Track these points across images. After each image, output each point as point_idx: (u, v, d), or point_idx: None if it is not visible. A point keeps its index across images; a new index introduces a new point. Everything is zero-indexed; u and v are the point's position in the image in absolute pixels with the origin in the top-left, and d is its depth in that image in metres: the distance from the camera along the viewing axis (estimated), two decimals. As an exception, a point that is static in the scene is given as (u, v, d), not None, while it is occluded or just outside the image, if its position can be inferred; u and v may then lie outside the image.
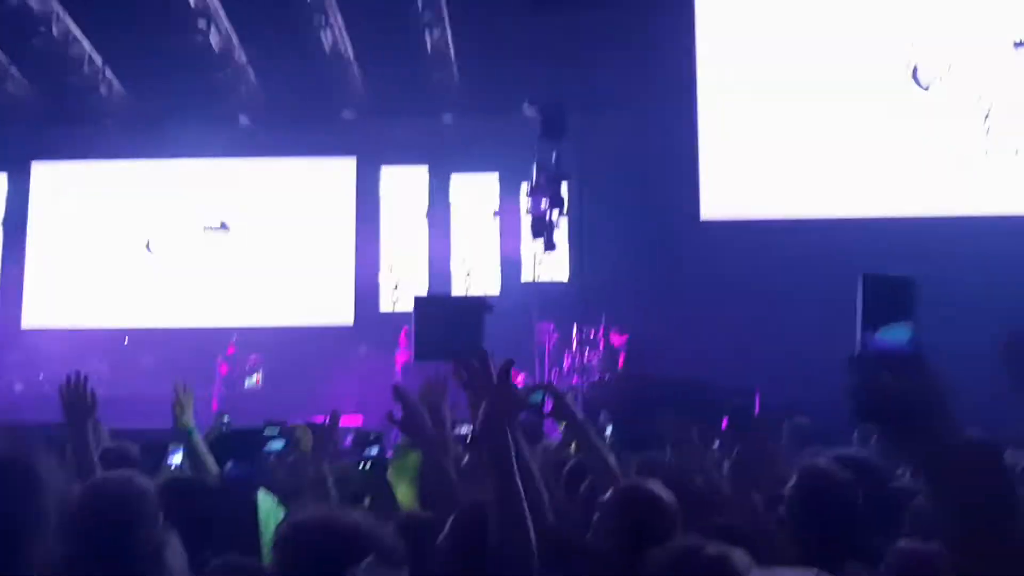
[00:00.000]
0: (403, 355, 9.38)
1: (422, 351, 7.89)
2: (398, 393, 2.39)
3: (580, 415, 2.72)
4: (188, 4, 9.60)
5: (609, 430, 5.07)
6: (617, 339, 9.18)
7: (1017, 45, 8.87)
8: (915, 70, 9.06)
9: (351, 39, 10.76)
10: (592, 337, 9.02)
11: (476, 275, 11.45)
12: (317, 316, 11.34)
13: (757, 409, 6.57)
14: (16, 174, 11.87)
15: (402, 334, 9.29)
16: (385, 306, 11.53)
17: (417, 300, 8.37)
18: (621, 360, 8.95)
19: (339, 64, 10.89)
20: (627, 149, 10.26)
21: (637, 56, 9.83)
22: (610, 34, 9.97)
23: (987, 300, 7.82)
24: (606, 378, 8.63)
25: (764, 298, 8.82)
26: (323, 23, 10.30)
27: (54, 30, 10.16)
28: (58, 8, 10.18)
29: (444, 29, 10.61)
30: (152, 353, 10.73)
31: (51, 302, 11.62)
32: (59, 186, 11.94)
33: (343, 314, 11.42)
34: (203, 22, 9.88)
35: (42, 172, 11.93)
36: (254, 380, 10.70)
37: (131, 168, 11.79)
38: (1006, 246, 8.36)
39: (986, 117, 8.67)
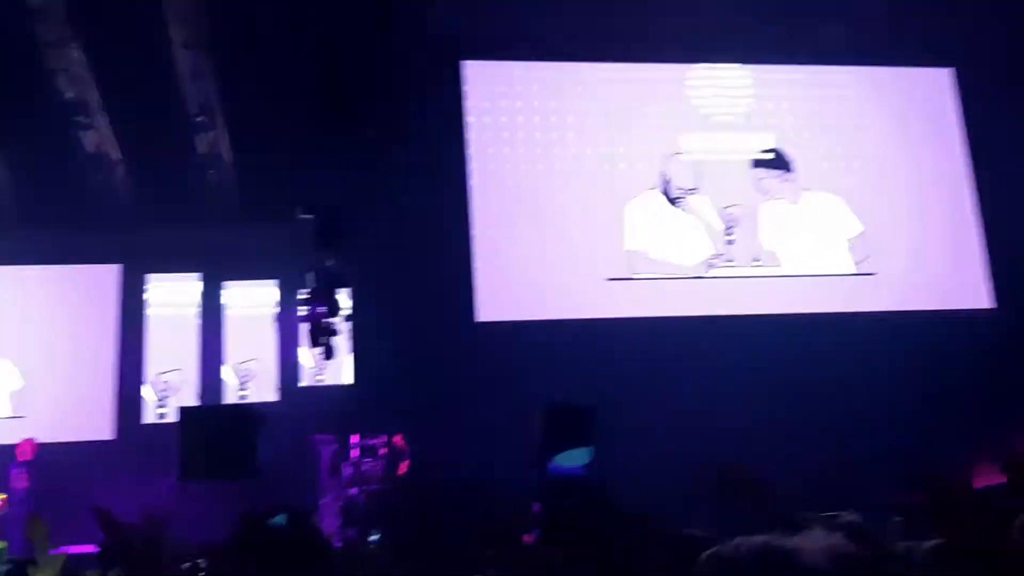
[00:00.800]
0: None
1: (189, 470, 7.65)
2: (100, 516, 2.13)
3: None
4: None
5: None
6: (400, 443, 9.17)
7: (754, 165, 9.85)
8: (666, 183, 9.77)
9: (118, 140, 10.43)
10: (373, 444, 8.95)
11: (252, 382, 11.11)
12: (75, 431, 10.56)
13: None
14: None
15: None
16: (150, 417, 10.92)
17: (183, 411, 8.09)
18: (404, 466, 8.90)
19: (103, 166, 10.50)
20: (405, 253, 10.43)
21: (417, 164, 10.13)
22: (389, 143, 10.25)
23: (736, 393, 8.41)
24: (385, 487, 8.53)
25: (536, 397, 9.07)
26: (86, 124, 9.96)
27: None
28: None
29: (219, 132, 10.52)
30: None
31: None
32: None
33: (101, 428, 10.68)
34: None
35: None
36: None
37: None
38: (749, 344, 9.04)
39: (728, 229, 9.49)
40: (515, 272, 9.92)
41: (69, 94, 9.71)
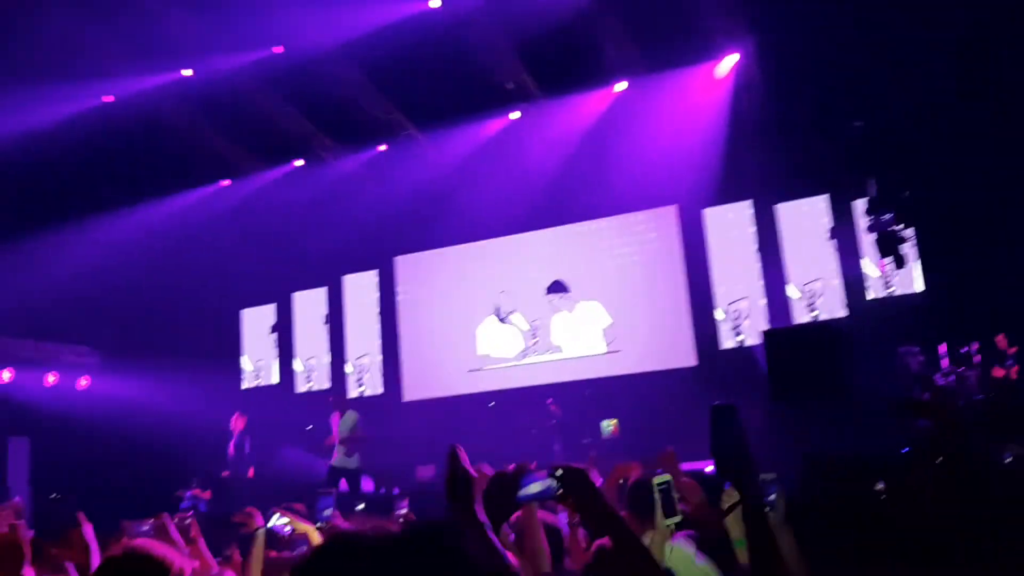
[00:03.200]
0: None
1: (780, 389, 7.74)
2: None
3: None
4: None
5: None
6: (1004, 345, 8.33)
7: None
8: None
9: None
10: (967, 351, 8.30)
11: (819, 300, 11.04)
12: (662, 360, 11.58)
13: None
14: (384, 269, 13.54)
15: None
16: (728, 343, 11.49)
17: (767, 334, 8.24)
18: (1015, 371, 8.08)
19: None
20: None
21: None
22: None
23: None
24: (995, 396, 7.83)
25: None
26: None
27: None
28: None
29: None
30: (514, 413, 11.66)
31: (425, 376, 12.99)
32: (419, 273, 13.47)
33: (686, 356, 11.52)
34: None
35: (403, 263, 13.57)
36: (610, 428, 11.12)
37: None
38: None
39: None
40: None
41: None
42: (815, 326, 10.36)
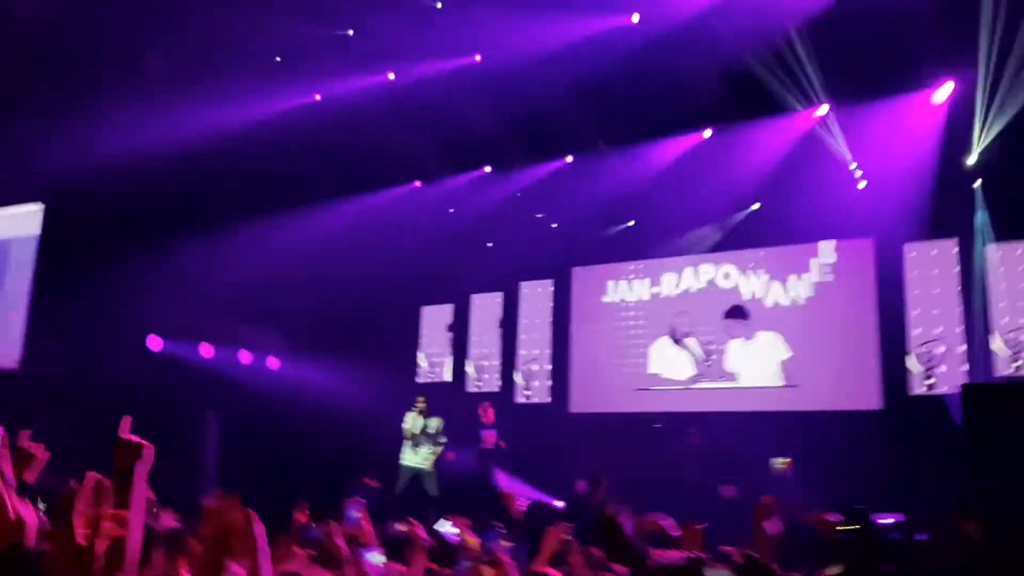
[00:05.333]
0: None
1: (981, 465, 7.01)
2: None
3: None
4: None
5: None
6: None
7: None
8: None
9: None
10: None
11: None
12: (844, 400, 11.01)
13: None
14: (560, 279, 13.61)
15: None
16: (918, 388, 10.75)
17: (967, 389, 7.54)
18: None
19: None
20: None
21: None
22: None
23: None
24: None
25: None
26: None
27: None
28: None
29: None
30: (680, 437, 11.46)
31: (593, 389, 12.95)
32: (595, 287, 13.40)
33: (869, 397, 10.89)
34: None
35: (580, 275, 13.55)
36: (782, 466, 10.71)
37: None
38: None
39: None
40: None
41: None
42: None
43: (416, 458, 11.28)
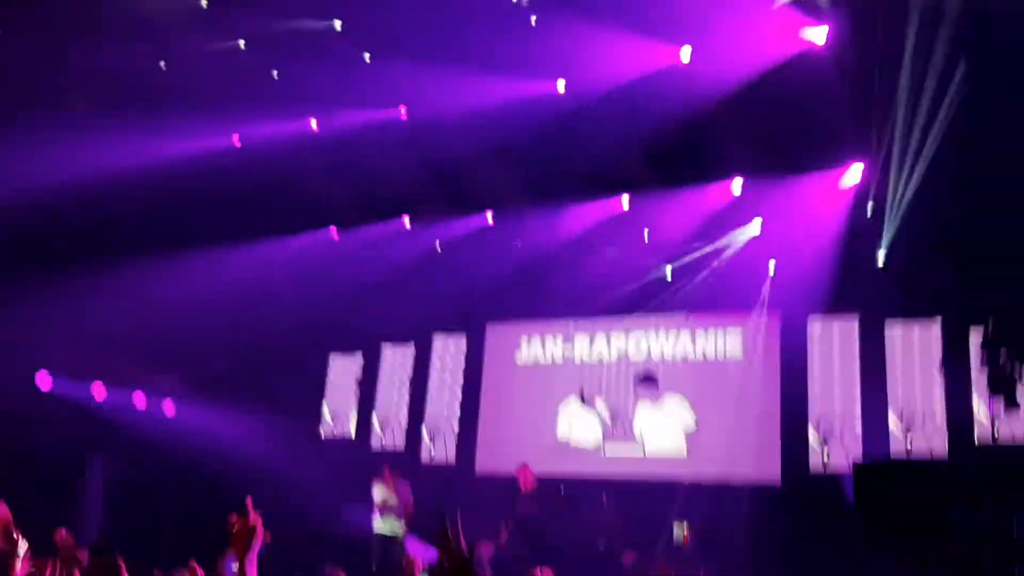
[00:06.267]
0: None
1: (875, 530, 7.19)
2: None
3: None
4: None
5: None
6: None
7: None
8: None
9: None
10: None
11: (918, 434, 10.46)
12: (742, 473, 11.13)
13: None
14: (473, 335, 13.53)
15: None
16: (816, 464, 10.95)
17: (857, 468, 7.70)
18: None
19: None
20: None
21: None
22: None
23: None
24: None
25: None
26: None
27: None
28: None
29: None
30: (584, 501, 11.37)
31: (501, 450, 12.80)
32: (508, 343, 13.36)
33: (769, 473, 11.03)
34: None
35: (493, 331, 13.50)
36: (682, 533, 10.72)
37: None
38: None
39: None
40: None
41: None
42: (915, 464, 9.78)
43: (386, 527, 10.96)
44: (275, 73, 11.06)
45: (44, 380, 12.17)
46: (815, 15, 9.43)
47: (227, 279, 12.25)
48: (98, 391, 12.56)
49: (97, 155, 10.62)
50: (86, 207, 11.43)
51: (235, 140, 11.76)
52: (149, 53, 10.57)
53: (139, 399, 13.10)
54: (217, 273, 12.25)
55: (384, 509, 10.89)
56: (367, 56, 10.73)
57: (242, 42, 10.83)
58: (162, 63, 10.78)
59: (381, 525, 10.98)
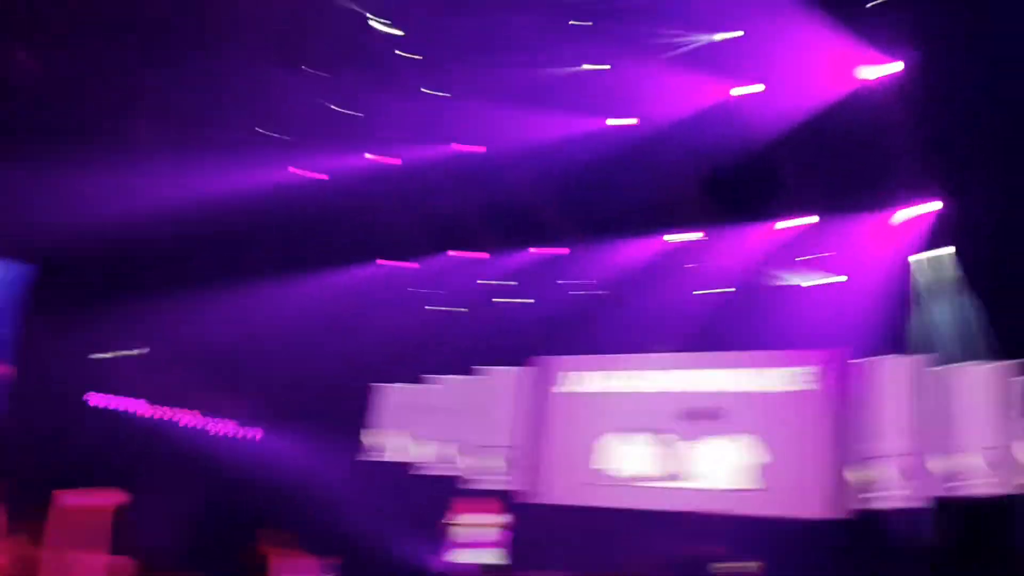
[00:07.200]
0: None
1: (950, 567, 6.83)
2: None
3: None
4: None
5: None
6: None
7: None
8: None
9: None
10: None
11: (992, 472, 10.20)
12: (803, 508, 10.98)
13: None
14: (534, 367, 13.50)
15: None
16: (877, 502, 10.73)
17: (937, 504, 7.26)
18: None
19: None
20: None
21: None
22: None
23: None
24: None
25: None
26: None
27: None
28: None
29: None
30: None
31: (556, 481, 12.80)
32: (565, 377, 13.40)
33: (832, 508, 10.84)
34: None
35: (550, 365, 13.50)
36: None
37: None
38: None
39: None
40: None
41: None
42: (992, 500, 9.50)
43: (487, 557, 10.96)
44: (350, 111, 11.27)
45: (109, 400, 12.59)
46: (880, 47, 9.39)
47: (295, 307, 12.51)
48: (163, 412, 12.94)
49: (173, 187, 10.98)
50: (162, 237, 11.82)
51: (311, 173, 12.02)
52: (231, 88, 10.85)
53: (206, 422, 13.43)
54: (284, 301, 12.51)
55: (474, 541, 10.81)
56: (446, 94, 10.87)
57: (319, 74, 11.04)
58: (243, 100, 11.06)
59: (480, 556, 10.91)
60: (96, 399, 12.54)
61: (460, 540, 11.00)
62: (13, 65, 10.70)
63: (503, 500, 12.50)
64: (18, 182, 11.01)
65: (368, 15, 10.37)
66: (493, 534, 10.97)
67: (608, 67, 10.31)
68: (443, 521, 11.28)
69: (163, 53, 10.51)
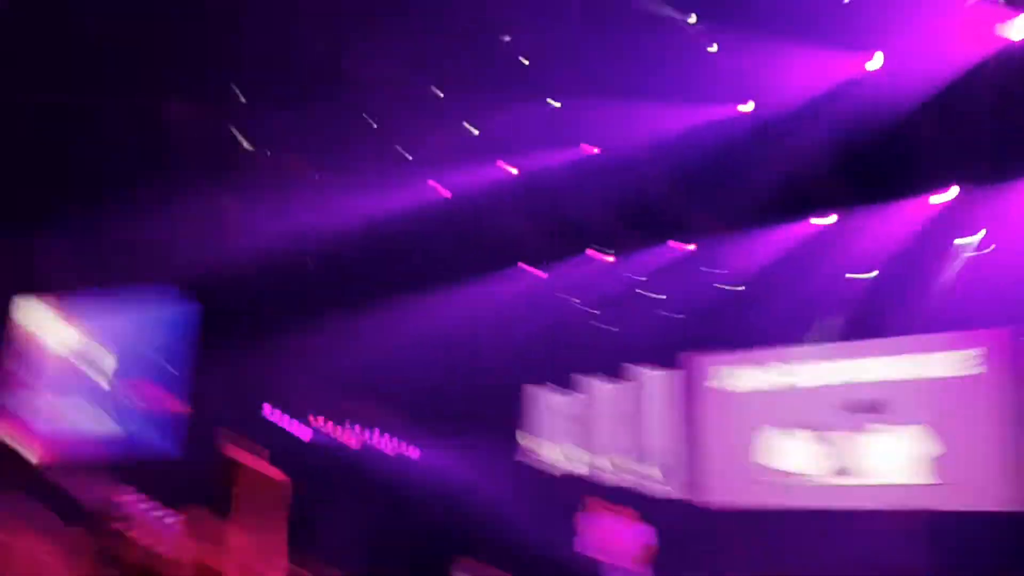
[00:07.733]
0: None
1: None
2: None
3: None
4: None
5: None
6: None
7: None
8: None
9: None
10: None
11: None
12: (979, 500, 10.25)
13: None
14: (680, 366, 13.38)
15: None
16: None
17: None
18: None
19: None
20: None
21: None
22: None
23: None
24: None
25: None
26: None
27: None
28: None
29: None
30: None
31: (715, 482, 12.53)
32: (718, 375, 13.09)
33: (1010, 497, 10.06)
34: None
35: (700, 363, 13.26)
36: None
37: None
38: None
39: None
40: None
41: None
42: None
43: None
44: (468, 125, 11.54)
45: (282, 420, 13.38)
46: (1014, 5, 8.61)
47: (440, 321, 12.89)
48: (329, 429, 13.64)
49: (326, 211, 11.60)
50: (313, 263, 12.55)
51: (441, 189, 12.37)
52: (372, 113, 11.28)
53: (372, 442, 14.10)
54: (433, 315, 12.92)
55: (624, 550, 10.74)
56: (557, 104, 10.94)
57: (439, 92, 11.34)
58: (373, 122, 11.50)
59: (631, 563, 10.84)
60: (269, 423, 13.36)
61: (612, 550, 10.94)
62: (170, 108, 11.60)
63: (657, 506, 12.39)
64: (181, 218, 12.01)
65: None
66: (644, 543, 10.82)
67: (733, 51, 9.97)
68: (592, 531, 11.25)
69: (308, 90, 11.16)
